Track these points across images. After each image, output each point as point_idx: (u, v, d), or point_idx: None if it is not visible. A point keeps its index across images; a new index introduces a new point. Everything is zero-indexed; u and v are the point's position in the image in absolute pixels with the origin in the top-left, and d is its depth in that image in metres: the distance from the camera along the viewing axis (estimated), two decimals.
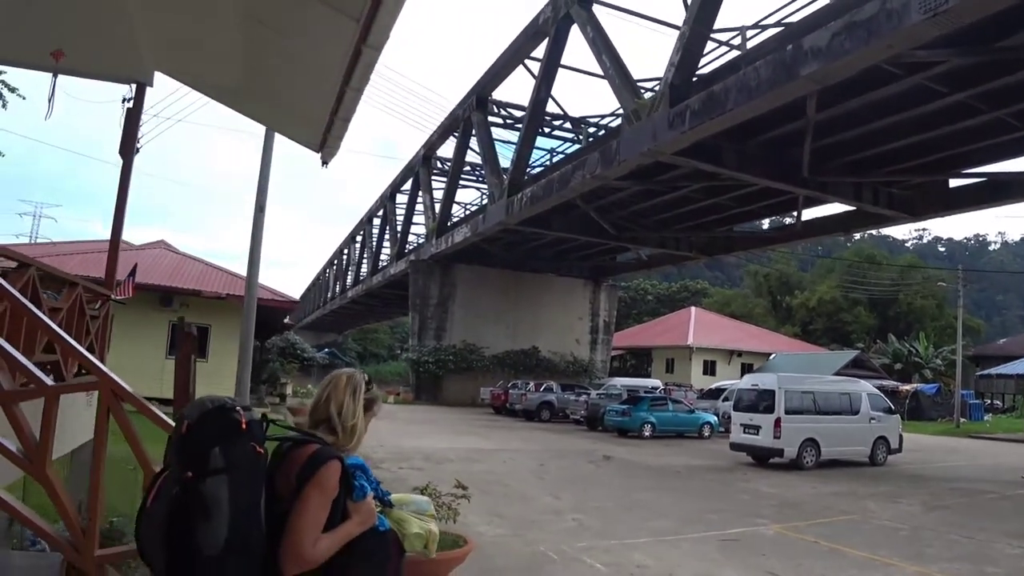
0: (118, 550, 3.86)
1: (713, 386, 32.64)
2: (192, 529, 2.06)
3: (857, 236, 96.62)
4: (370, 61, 5.65)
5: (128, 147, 8.87)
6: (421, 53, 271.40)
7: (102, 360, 8.50)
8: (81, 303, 6.97)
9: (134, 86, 8.96)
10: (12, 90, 40.14)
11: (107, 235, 8.77)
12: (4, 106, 38.35)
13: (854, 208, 24.22)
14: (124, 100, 8.99)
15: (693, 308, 54.78)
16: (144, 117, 9.17)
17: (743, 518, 11.18)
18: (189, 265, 25.16)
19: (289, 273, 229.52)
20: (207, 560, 2.07)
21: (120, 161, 8.74)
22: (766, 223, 32.67)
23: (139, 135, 9.57)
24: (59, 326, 6.47)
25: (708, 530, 10.17)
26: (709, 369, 45.34)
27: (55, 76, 7.88)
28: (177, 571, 2.09)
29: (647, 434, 24.73)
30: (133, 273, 8.70)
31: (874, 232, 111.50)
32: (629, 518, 10.75)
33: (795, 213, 25.86)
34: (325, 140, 9.14)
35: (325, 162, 10.53)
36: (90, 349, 7.48)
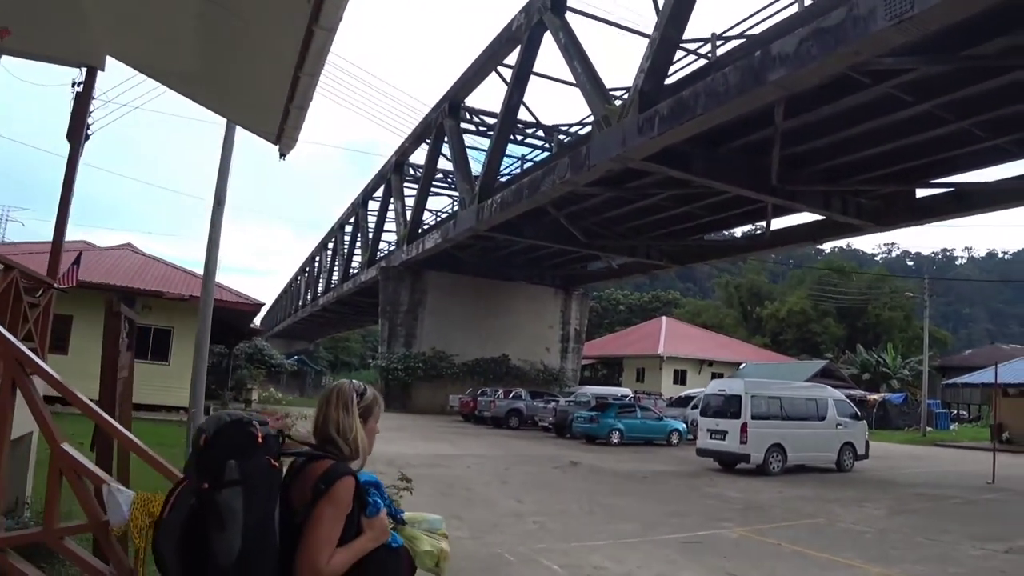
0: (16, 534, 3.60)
1: (682, 394, 32.67)
2: (207, 539, 2.11)
3: (827, 249, 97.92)
4: (323, 44, 5.46)
5: (76, 133, 8.60)
6: (397, 58, 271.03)
7: (43, 349, 8.20)
8: (17, 288, 6.67)
9: (84, 70, 8.73)
10: None
11: (75, 237, 8.45)
12: None
13: (823, 217, 24.32)
14: (74, 84, 8.74)
15: (664, 318, 54.96)
16: (101, 104, 8.89)
17: (707, 521, 11.09)
18: (153, 267, 24.69)
19: (266, 281, 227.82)
20: (221, 570, 2.10)
21: (68, 146, 8.43)
22: (738, 232, 32.85)
23: (90, 121, 9.32)
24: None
25: (671, 533, 10.06)
26: (680, 378, 45.46)
27: None
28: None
29: (615, 441, 24.60)
30: (77, 262, 8.37)
31: (844, 246, 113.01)
32: (591, 521, 10.59)
33: (764, 223, 25.93)
34: (282, 131, 8.93)
35: (283, 154, 10.33)
36: (27, 337, 7.18)
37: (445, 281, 41.90)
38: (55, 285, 8.27)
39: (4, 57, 7.93)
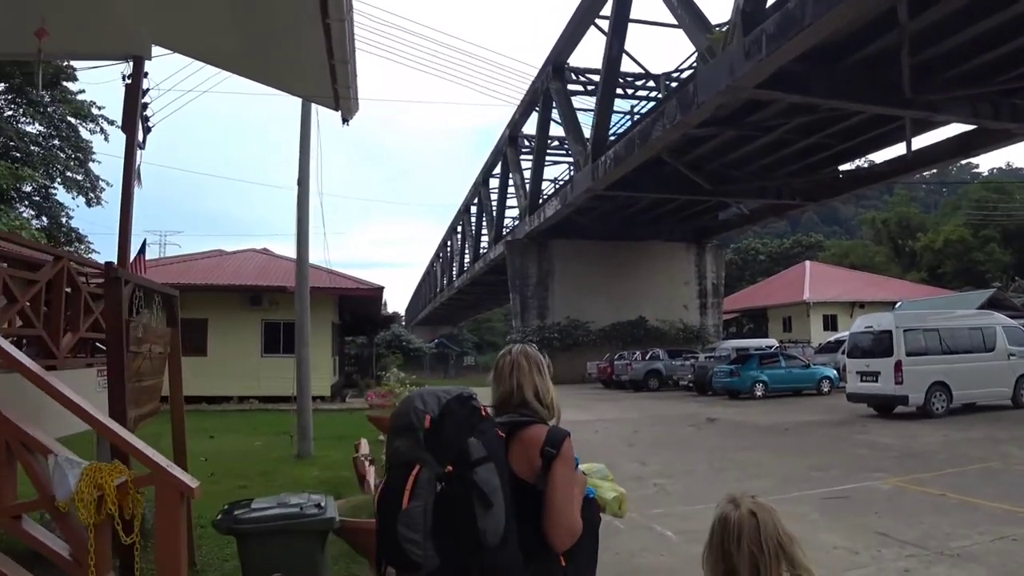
0: None
1: (832, 339, 30.33)
2: (464, 522, 2.03)
3: (984, 171, 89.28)
4: None
5: (131, 125, 8.48)
6: (495, 28, 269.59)
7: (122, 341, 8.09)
8: (70, 277, 6.48)
9: (131, 62, 8.57)
10: (111, 123, 41.58)
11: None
12: (107, 139, 39.67)
13: (972, 127, 21.74)
14: (124, 77, 8.59)
15: (807, 262, 51.55)
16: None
17: (856, 473, 9.81)
18: (276, 265, 25.33)
19: (406, 272, 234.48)
20: (491, 550, 2.04)
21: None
22: (877, 159, 29.92)
23: (148, 111, 9.19)
24: (40, 302, 6.02)
25: (812, 488, 8.92)
26: (830, 324, 42.49)
27: (39, 59, 7.34)
28: (458, 567, 2.03)
29: (759, 394, 23.10)
30: (142, 250, 8.17)
31: (1003, 166, 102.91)
32: (718, 480, 9.58)
33: (904, 143, 23.44)
34: (337, 93, 8.55)
35: (345, 119, 9.91)
36: (93, 327, 7.05)
37: (572, 249, 41.06)
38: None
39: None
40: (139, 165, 8.63)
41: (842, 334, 30.69)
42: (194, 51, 8.98)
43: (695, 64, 21.33)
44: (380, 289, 24.04)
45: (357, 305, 28.56)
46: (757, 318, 50.76)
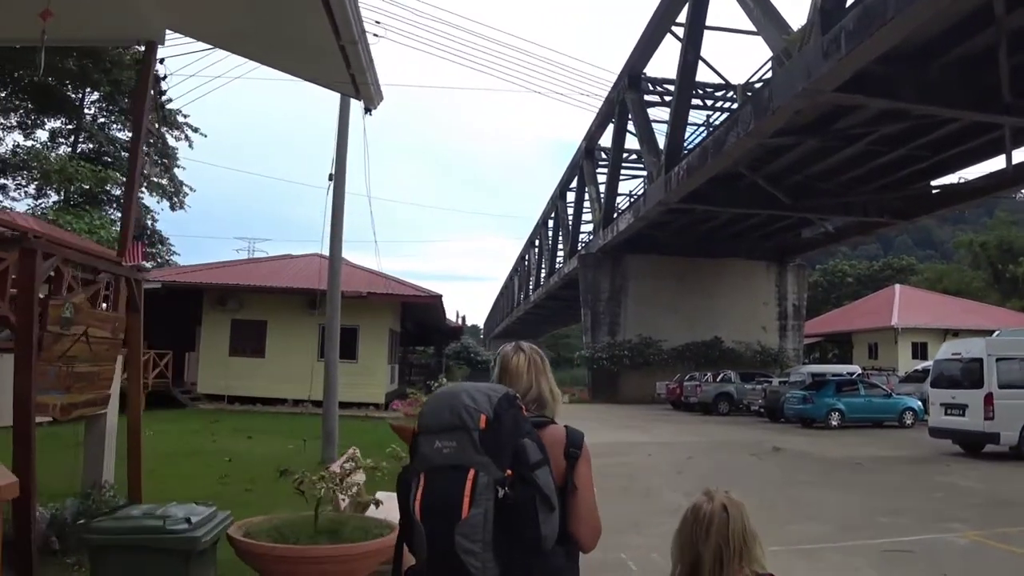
0: None
1: (918, 367, 28.16)
2: (536, 526, 1.87)
3: None
4: None
5: (139, 107, 8.12)
6: (572, 39, 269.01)
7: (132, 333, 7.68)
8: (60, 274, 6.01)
9: (143, 47, 8.22)
10: (195, 130, 42.67)
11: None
12: (191, 146, 40.67)
13: None
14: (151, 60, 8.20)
15: (897, 286, 48.41)
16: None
17: (929, 522, 8.50)
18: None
19: (488, 287, 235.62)
20: (548, 554, 1.93)
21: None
22: (971, 174, 27.60)
23: (163, 96, 8.86)
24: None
25: (873, 536, 7.72)
26: (919, 352, 39.65)
27: (43, 42, 6.86)
28: (517, 571, 1.86)
29: (834, 423, 21.44)
30: (140, 237, 7.71)
31: None
32: (768, 520, 8.41)
33: (1003, 154, 21.51)
34: (355, 80, 8.07)
35: (368, 110, 9.32)
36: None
37: (646, 264, 39.82)
38: (123, 263, 7.75)
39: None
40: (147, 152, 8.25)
41: (929, 363, 28.56)
42: (206, 35, 8.64)
43: (771, 68, 20.06)
44: (437, 297, 23.56)
45: (420, 314, 28.20)
46: (841, 343, 48.19)
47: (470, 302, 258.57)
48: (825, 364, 37.42)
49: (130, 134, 42.99)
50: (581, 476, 2.10)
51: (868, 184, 27.79)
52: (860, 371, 28.45)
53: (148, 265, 26.59)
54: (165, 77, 40.14)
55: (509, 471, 1.88)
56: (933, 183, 27.75)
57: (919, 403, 22.12)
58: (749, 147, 21.88)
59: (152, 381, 21.46)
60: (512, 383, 2.26)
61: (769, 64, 20.67)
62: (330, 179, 12.01)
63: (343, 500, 5.29)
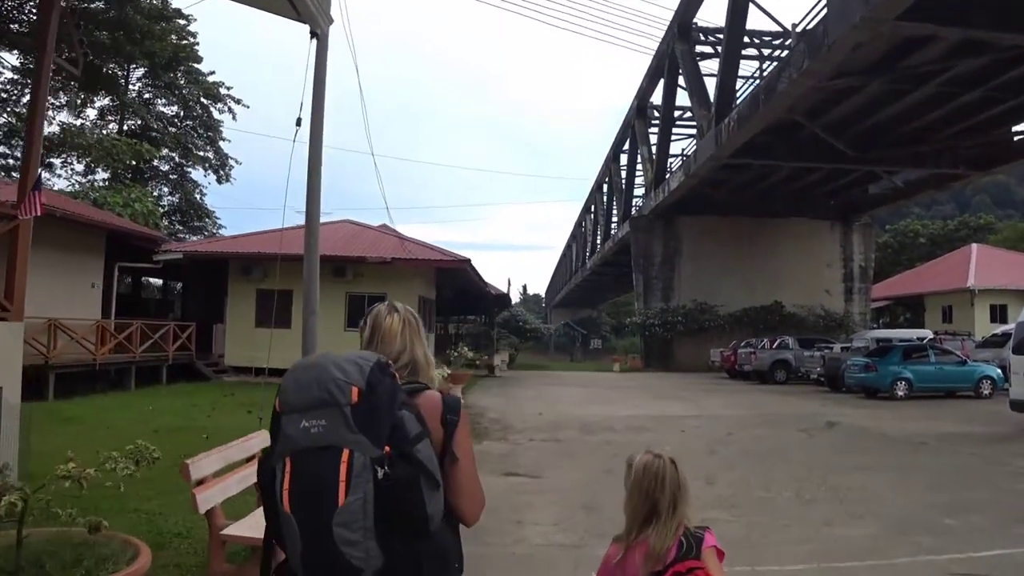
0: None
1: (998, 331, 25.61)
2: (421, 506, 1.74)
3: None
4: None
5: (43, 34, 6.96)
6: None
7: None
8: None
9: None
10: (237, 101, 42.36)
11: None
12: (235, 118, 40.32)
13: None
14: None
15: (974, 245, 44.92)
16: None
17: (1011, 526, 6.72)
18: (364, 235, 24.12)
19: (550, 255, 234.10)
20: (435, 534, 1.80)
21: None
22: None
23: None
24: None
25: (936, 548, 5.99)
26: (998, 315, 36.59)
27: None
28: (405, 561, 1.75)
29: (900, 394, 19.45)
30: (37, 186, 6.57)
31: None
32: (802, 520, 6.94)
33: None
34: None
35: (315, 33, 8.02)
36: None
37: (700, 225, 37.84)
38: (20, 216, 6.65)
39: None
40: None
41: (1010, 326, 26.03)
42: None
43: (826, 1, 17.91)
44: (466, 261, 22.25)
45: (457, 281, 26.98)
46: (913, 307, 45.20)
47: (533, 271, 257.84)
48: (895, 329, 34.94)
49: (177, 109, 43.19)
50: (460, 444, 1.95)
51: (941, 132, 25.32)
52: (932, 336, 26.12)
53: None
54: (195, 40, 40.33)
55: (387, 448, 1.72)
56: (1015, 129, 25.08)
57: (998, 371, 19.91)
58: (804, 90, 19.77)
59: (173, 353, 20.86)
60: (385, 345, 2.10)
61: (823, 1, 18.58)
62: (297, 124, 10.69)
63: None
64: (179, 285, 34.49)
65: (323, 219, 25.62)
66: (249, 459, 5.21)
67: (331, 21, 7.71)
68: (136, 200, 30.59)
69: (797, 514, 7.11)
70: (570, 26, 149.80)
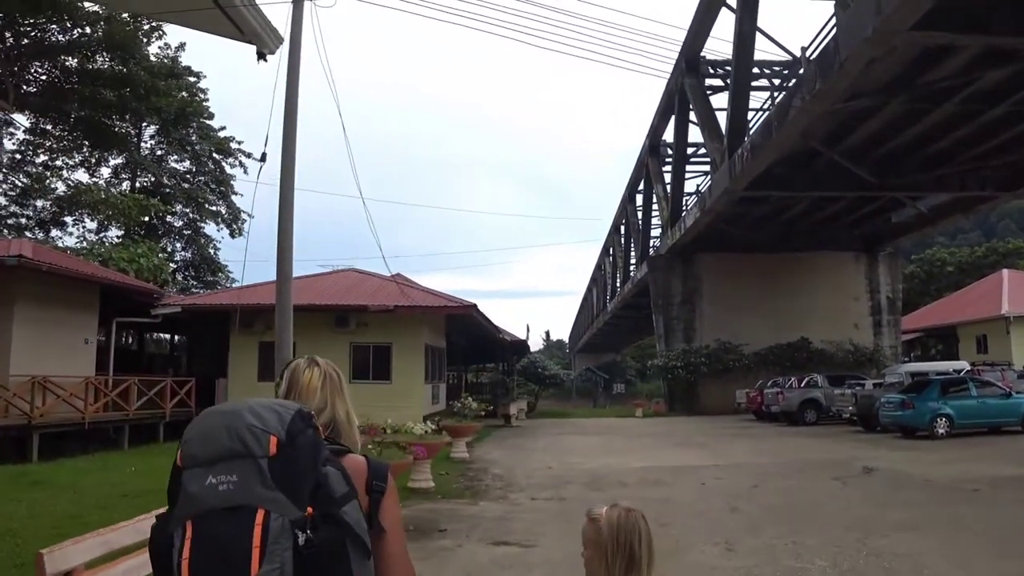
0: None
1: None
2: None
3: None
4: None
5: None
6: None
7: None
8: None
9: None
10: (248, 155, 42.53)
11: None
12: (246, 171, 40.44)
13: None
14: None
15: (1005, 271, 43.21)
16: None
17: None
18: (367, 283, 23.35)
19: (572, 301, 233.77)
20: None
21: None
22: None
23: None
24: None
25: None
26: None
27: None
28: None
29: (941, 432, 18.06)
30: None
31: None
32: None
33: None
34: (237, 24, 6.16)
35: (262, 54, 7.25)
36: None
37: (720, 263, 36.73)
38: None
39: None
40: None
41: None
42: None
43: (835, 14, 17.06)
44: (471, 307, 21.36)
45: (469, 328, 26.08)
46: (946, 337, 43.42)
47: (558, 317, 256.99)
48: (928, 361, 33.36)
49: (189, 165, 43.29)
50: (388, 515, 1.75)
51: (965, 152, 24.24)
52: (969, 367, 24.65)
53: None
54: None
55: (310, 509, 1.48)
56: None
57: None
58: (818, 114, 18.86)
59: (171, 410, 20.07)
60: (302, 401, 1.87)
61: (833, 19, 17.75)
62: (262, 160, 9.94)
63: None
64: (185, 341, 33.93)
65: (331, 268, 24.48)
66: (144, 544, 4.22)
67: (280, 41, 7.03)
68: (142, 256, 30.12)
69: None
70: (581, 53, 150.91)
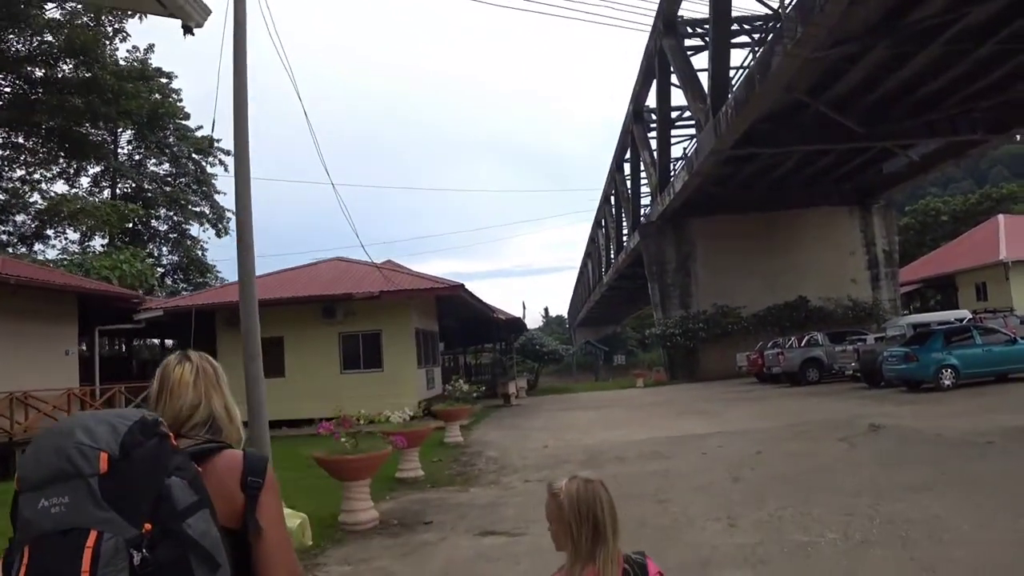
0: None
1: None
2: None
3: None
4: None
5: None
6: None
7: None
8: None
9: None
10: (228, 153, 42.03)
11: None
12: (226, 169, 39.79)
13: None
14: None
15: (1000, 216, 42.71)
16: None
17: None
18: (353, 271, 22.79)
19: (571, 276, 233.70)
20: None
21: None
22: None
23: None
24: None
25: None
26: None
27: None
28: None
29: (947, 383, 17.58)
30: None
31: None
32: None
33: None
34: None
35: (188, 28, 6.69)
36: None
37: (713, 226, 36.12)
38: None
39: None
40: None
41: None
42: None
43: None
44: (459, 287, 20.84)
45: (460, 309, 25.57)
46: (944, 288, 42.95)
47: (556, 293, 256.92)
48: (928, 313, 32.93)
49: (169, 168, 42.62)
50: (267, 512, 1.68)
51: (953, 96, 23.68)
52: (971, 316, 24.19)
53: None
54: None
55: (148, 525, 1.41)
56: None
57: None
58: (801, 63, 18.25)
59: None
60: (175, 400, 1.82)
61: None
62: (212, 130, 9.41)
63: None
64: (173, 344, 33.48)
65: (320, 257, 23.73)
66: None
67: (208, 13, 6.42)
68: (124, 262, 29.54)
69: (849, 569, 5.45)
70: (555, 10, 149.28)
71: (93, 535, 1.35)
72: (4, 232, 36.14)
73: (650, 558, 2.21)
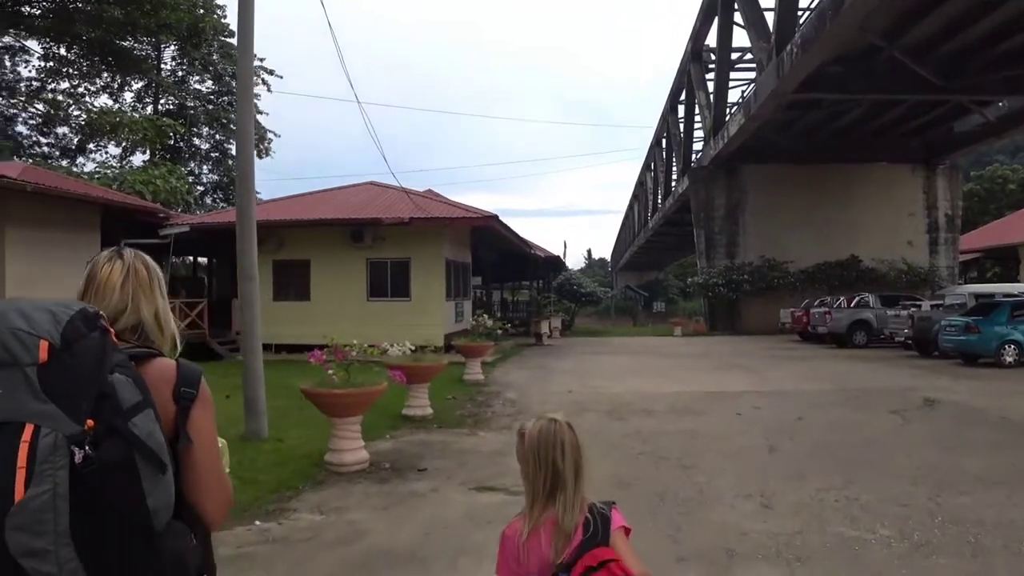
0: None
1: None
2: (139, 498, 1.32)
3: None
4: None
5: None
6: None
7: None
8: None
9: None
10: (270, 72, 41.03)
11: None
12: (269, 89, 39.04)
13: None
14: None
15: None
16: None
17: None
18: (384, 196, 22.00)
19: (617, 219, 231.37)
20: (161, 535, 1.36)
21: None
22: None
23: None
24: None
25: None
26: None
27: None
28: (114, 571, 1.31)
29: (1008, 360, 16.27)
30: None
31: None
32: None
33: None
34: None
35: None
36: None
37: (766, 175, 34.55)
38: None
39: None
40: None
41: None
42: None
43: None
44: (492, 217, 19.89)
45: (496, 242, 24.71)
46: (1004, 260, 40.68)
47: (600, 236, 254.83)
48: (984, 284, 31.22)
49: (212, 86, 41.97)
50: (198, 425, 1.56)
51: None
52: None
53: None
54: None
55: (91, 422, 1.31)
56: None
57: None
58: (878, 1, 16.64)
59: (184, 333, 19.20)
60: (98, 301, 1.63)
61: None
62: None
63: None
64: (214, 262, 33.37)
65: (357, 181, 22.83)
66: None
67: None
68: (159, 177, 29.13)
69: (905, 571, 4.56)
70: None
71: (29, 429, 1.27)
72: (47, 144, 36.11)
73: (617, 508, 2.05)
